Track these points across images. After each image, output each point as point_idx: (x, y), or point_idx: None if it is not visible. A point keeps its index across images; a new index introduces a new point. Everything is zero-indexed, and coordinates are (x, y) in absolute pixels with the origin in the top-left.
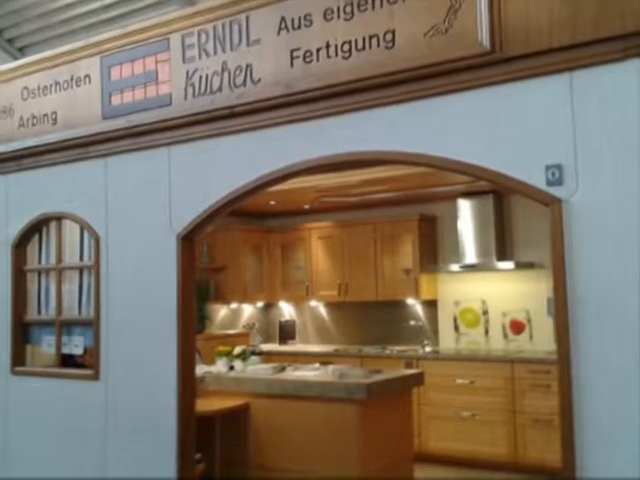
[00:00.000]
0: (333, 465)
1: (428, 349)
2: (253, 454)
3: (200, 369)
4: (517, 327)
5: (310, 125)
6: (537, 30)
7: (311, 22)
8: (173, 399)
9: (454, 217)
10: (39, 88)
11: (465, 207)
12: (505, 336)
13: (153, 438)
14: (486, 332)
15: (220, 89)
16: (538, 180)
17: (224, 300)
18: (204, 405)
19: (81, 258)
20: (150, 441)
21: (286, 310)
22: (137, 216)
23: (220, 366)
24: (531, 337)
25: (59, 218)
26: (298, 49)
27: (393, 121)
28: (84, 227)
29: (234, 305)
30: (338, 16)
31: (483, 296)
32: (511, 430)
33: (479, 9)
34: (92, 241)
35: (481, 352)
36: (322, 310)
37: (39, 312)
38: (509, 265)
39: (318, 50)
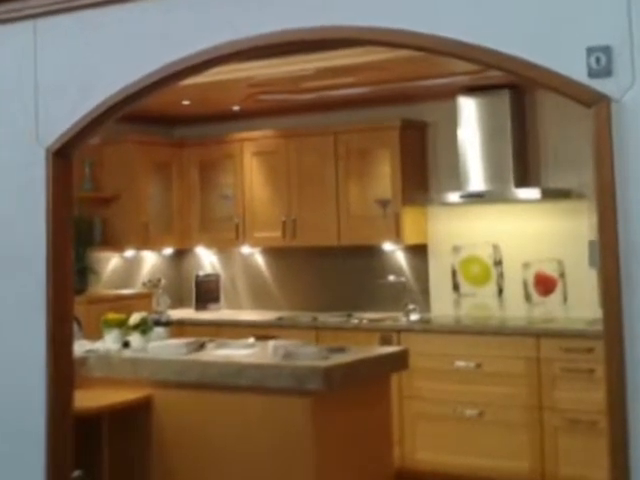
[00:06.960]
0: None
1: (414, 317)
2: (157, 470)
3: (80, 346)
4: (545, 284)
5: None
6: None
7: None
8: (41, 390)
9: (452, 123)
10: None
11: (469, 108)
12: (527, 298)
13: (12, 446)
14: (499, 292)
15: None
16: (576, 69)
17: (115, 246)
18: (87, 399)
19: None
20: (8, 450)
21: (206, 260)
22: None
23: (110, 342)
24: (565, 299)
25: None
26: None
27: None
28: None
29: (130, 253)
30: None
31: (495, 239)
32: (536, 435)
33: None
34: None
35: (492, 321)
36: (259, 260)
37: None
38: (533, 193)
39: None
